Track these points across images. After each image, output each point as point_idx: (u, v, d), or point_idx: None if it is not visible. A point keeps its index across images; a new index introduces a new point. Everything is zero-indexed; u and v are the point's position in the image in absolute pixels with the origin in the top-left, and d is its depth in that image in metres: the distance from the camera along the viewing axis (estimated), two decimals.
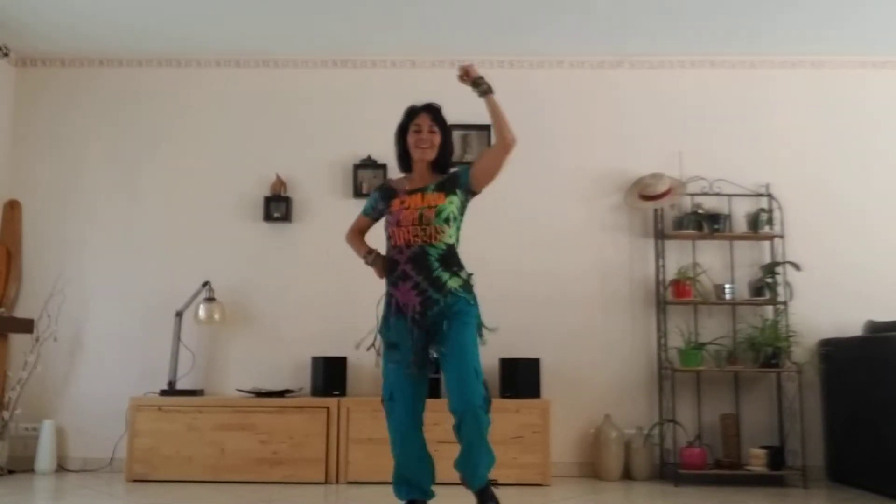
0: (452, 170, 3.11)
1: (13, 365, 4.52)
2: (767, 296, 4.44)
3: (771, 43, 4.61)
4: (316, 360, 4.37)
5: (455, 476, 2.89)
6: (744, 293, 4.51)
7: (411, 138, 3.01)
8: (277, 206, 4.65)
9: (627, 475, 4.36)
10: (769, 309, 4.52)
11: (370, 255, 3.08)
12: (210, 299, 4.48)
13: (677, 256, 4.58)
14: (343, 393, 4.31)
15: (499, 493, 2.93)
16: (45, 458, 4.34)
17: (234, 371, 4.57)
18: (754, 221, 4.50)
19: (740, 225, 4.59)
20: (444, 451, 3.04)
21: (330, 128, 4.78)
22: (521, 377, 4.25)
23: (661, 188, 4.44)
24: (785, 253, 4.51)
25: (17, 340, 4.57)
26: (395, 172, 4.58)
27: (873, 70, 4.77)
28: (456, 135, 3.90)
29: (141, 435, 4.15)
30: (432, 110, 3.05)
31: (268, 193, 4.68)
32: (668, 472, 4.32)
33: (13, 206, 4.70)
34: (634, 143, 4.72)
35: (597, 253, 4.64)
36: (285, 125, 4.79)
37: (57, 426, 4.46)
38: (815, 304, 4.50)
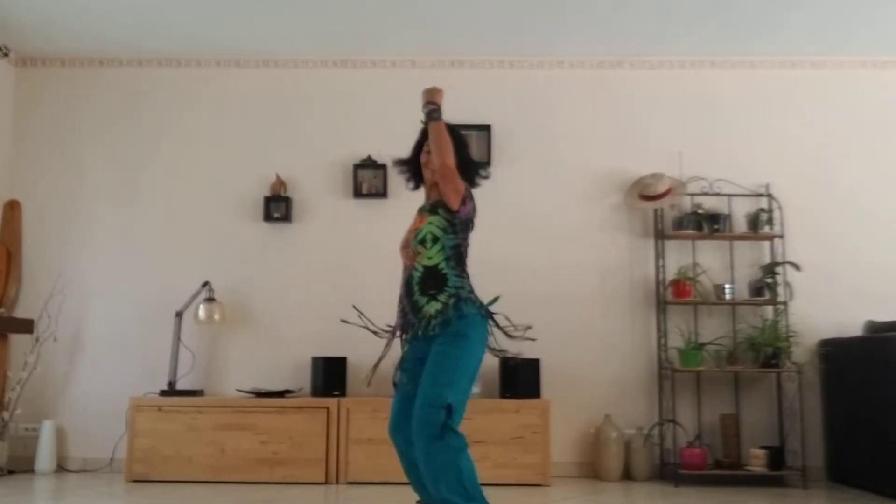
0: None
1: (13, 365, 4.52)
2: (767, 296, 4.44)
3: (771, 43, 4.61)
4: (316, 360, 4.37)
5: None
6: (744, 293, 4.51)
7: (423, 158, 2.96)
8: (277, 207, 4.65)
9: (627, 475, 4.36)
10: (769, 309, 4.52)
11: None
12: (210, 299, 4.48)
13: (677, 256, 4.58)
14: (343, 393, 4.31)
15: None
16: (45, 458, 4.34)
17: (234, 371, 4.58)
18: (754, 221, 4.50)
19: (740, 225, 4.59)
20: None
21: (330, 128, 4.78)
22: (520, 377, 4.24)
23: (661, 188, 4.44)
24: (785, 253, 4.51)
25: (17, 341, 4.57)
26: (395, 172, 4.61)
27: (873, 70, 4.77)
28: None
29: (141, 435, 4.15)
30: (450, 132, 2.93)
31: (268, 193, 4.68)
32: (668, 472, 4.32)
33: (13, 206, 4.70)
34: (634, 143, 4.72)
35: (597, 253, 4.64)
36: (285, 125, 4.79)
37: (57, 426, 4.46)
38: (815, 304, 4.50)
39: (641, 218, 4.66)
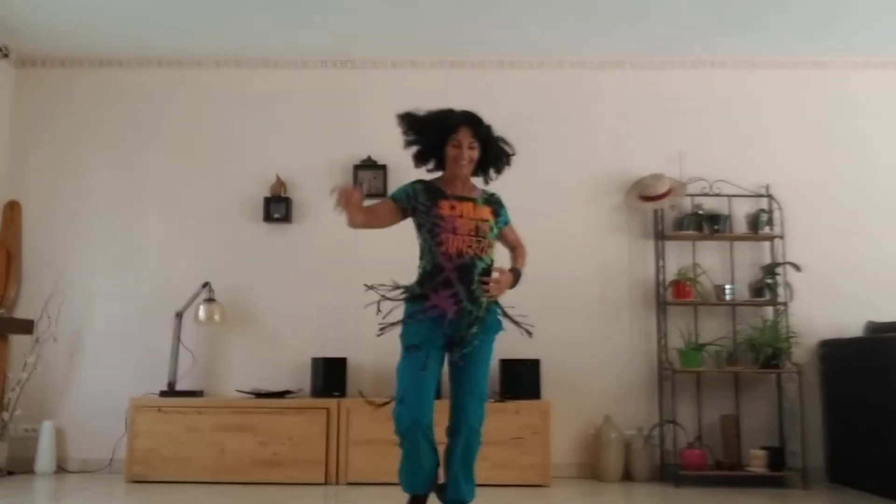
0: (493, 192, 3.12)
1: (13, 366, 4.52)
2: (767, 297, 4.44)
3: (771, 44, 4.61)
4: (316, 360, 4.37)
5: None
6: (744, 294, 4.51)
7: (451, 152, 2.94)
8: (277, 207, 4.65)
9: (627, 476, 4.36)
10: (769, 310, 4.52)
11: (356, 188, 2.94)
12: (210, 300, 4.48)
13: (677, 257, 4.58)
14: (343, 394, 4.31)
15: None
16: (44, 459, 4.34)
17: (233, 372, 4.57)
18: (754, 222, 4.50)
19: (740, 226, 4.59)
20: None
21: (330, 128, 4.78)
22: (521, 378, 4.24)
23: (662, 189, 4.44)
24: (785, 254, 4.51)
25: (17, 341, 4.57)
26: (395, 173, 4.63)
27: (874, 71, 4.78)
28: None
29: (140, 436, 4.15)
30: (472, 124, 2.97)
31: (268, 194, 4.68)
32: (669, 473, 4.32)
33: (13, 207, 4.70)
34: (635, 143, 4.72)
35: (597, 254, 4.64)
36: (285, 126, 4.79)
37: (57, 427, 4.46)
38: (815, 304, 4.50)
39: (642, 219, 4.66)
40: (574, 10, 4.23)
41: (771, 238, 4.53)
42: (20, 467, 4.41)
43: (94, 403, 4.51)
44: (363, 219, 2.98)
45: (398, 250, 4.54)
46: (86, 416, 4.51)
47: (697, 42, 4.60)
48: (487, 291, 2.89)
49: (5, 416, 4.35)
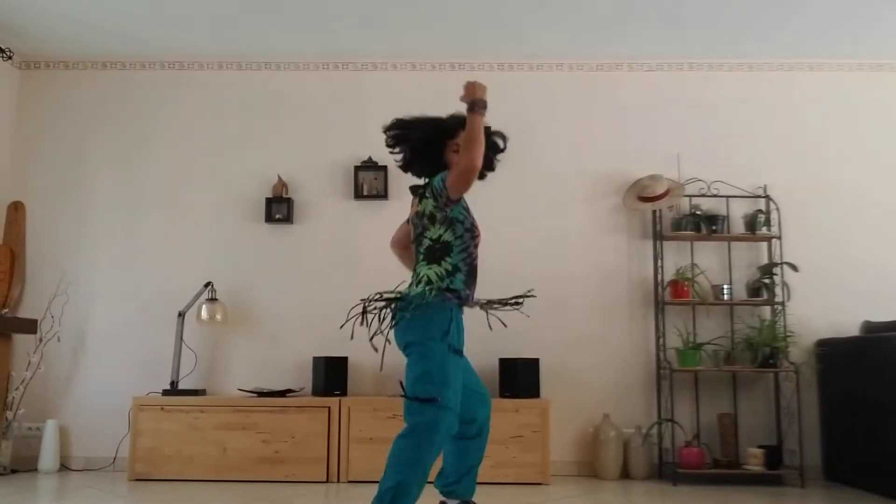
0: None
1: (17, 365, 4.55)
2: (765, 296, 4.47)
3: (769, 46, 4.64)
4: (317, 359, 4.40)
5: None
6: (741, 294, 4.54)
7: (453, 157, 2.85)
8: (279, 208, 4.68)
9: (626, 474, 4.39)
10: (767, 309, 4.55)
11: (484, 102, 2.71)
12: (212, 300, 4.51)
13: (675, 257, 4.61)
14: (344, 393, 4.34)
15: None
16: (48, 457, 4.38)
17: (235, 371, 4.61)
18: (752, 223, 4.53)
19: (738, 226, 4.62)
20: None
21: (331, 129, 4.81)
22: (520, 377, 4.27)
23: (660, 190, 4.47)
24: (782, 254, 4.54)
25: (21, 341, 4.60)
26: (395, 174, 4.67)
27: (870, 73, 4.81)
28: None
29: (143, 434, 4.18)
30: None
31: (269, 195, 4.71)
32: (667, 471, 4.35)
33: (17, 208, 4.73)
34: (633, 144, 4.75)
35: (596, 254, 4.67)
36: (287, 127, 4.83)
37: (60, 426, 4.49)
38: (813, 304, 4.54)
39: (640, 219, 4.70)
40: (573, 12, 4.27)
41: (768, 238, 4.57)
42: (24, 465, 4.45)
43: (98, 402, 4.55)
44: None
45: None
46: (89, 414, 4.55)
47: (695, 44, 4.63)
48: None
49: (9, 414, 4.38)
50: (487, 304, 2.97)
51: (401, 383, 2.69)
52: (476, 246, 2.86)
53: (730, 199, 4.64)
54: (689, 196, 4.62)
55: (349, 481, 4.13)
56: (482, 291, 3.08)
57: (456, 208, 2.80)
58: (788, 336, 4.36)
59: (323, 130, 4.81)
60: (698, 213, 4.57)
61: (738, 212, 4.64)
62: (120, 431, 4.44)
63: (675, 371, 4.37)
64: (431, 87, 4.73)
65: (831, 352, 4.33)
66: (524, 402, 4.21)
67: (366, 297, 2.79)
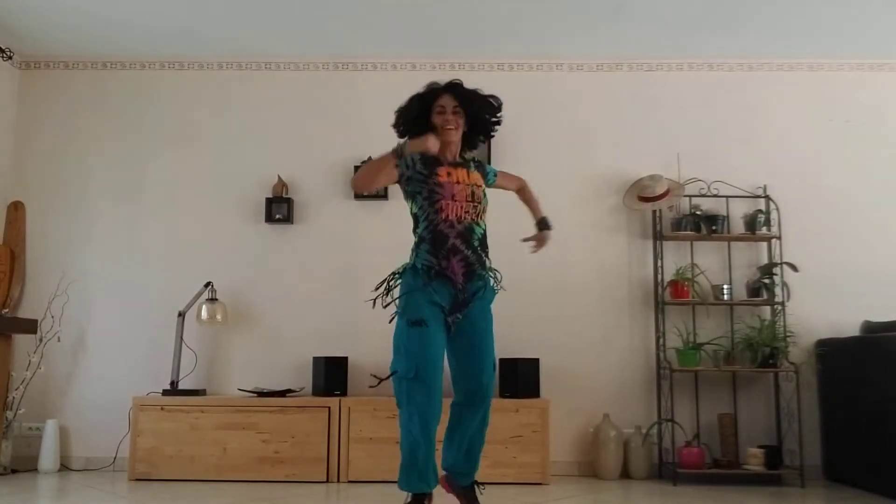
0: (476, 156, 3.17)
1: (17, 365, 4.56)
2: (765, 296, 4.47)
3: (768, 46, 4.65)
4: (317, 359, 4.40)
5: None
6: (741, 294, 4.54)
7: (437, 119, 3.01)
8: (279, 208, 4.68)
9: (626, 474, 4.39)
10: (766, 309, 4.55)
11: (401, 146, 2.90)
12: (212, 300, 4.52)
13: (675, 257, 4.62)
14: (344, 392, 4.35)
15: (484, 495, 3.04)
16: (48, 457, 4.38)
17: (235, 371, 4.61)
18: (752, 223, 4.53)
19: (738, 226, 4.62)
20: None
21: (331, 129, 4.81)
22: (520, 377, 4.27)
23: (660, 190, 4.47)
24: (782, 254, 4.54)
25: (21, 341, 4.61)
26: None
27: (870, 73, 4.81)
28: None
29: (144, 434, 4.19)
30: (454, 90, 3.02)
31: (269, 195, 4.71)
32: (667, 471, 4.35)
33: (17, 208, 4.73)
34: (633, 145, 4.76)
35: (596, 254, 4.68)
36: (287, 127, 4.83)
37: (60, 426, 4.49)
38: (812, 304, 4.54)
39: (640, 219, 4.70)
40: (572, 12, 4.27)
41: (768, 238, 4.57)
42: (24, 465, 4.45)
43: (98, 402, 4.55)
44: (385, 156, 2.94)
45: (398, 250, 4.57)
46: (89, 414, 4.55)
47: (695, 44, 4.64)
48: (536, 251, 3.18)
49: (9, 414, 4.38)
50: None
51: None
52: (439, 211, 2.92)
53: (730, 199, 4.64)
54: (689, 196, 4.62)
55: (349, 481, 4.13)
56: None
57: (411, 184, 2.99)
58: (788, 336, 4.36)
59: (323, 130, 4.81)
60: (698, 213, 4.58)
61: (738, 212, 4.64)
62: (120, 431, 4.44)
63: (675, 371, 4.37)
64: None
65: (831, 352, 4.33)
66: (524, 402, 4.21)
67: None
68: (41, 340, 4.52)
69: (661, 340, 4.50)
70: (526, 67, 4.85)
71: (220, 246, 4.72)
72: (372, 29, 4.49)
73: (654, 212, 4.59)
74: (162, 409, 4.22)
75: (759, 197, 4.62)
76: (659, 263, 4.56)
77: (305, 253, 4.71)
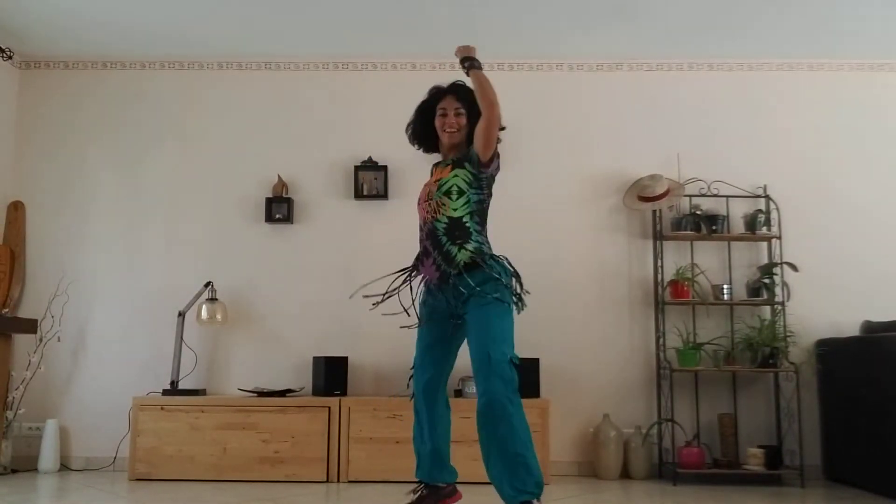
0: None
1: (17, 365, 4.56)
2: (765, 296, 4.47)
3: (768, 46, 4.65)
4: (317, 359, 4.40)
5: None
6: (741, 294, 4.54)
7: (438, 122, 3.01)
8: (279, 208, 4.68)
9: (626, 474, 4.39)
10: (766, 309, 4.55)
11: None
12: (212, 300, 4.52)
13: (675, 257, 4.62)
14: (344, 392, 4.35)
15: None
16: (48, 457, 4.38)
17: (235, 371, 4.61)
18: (752, 222, 4.53)
19: (738, 226, 4.62)
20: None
21: (331, 129, 4.81)
22: (520, 377, 4.24)
23: (660, 189, 4.47)
24: (782, 254, 4.54)
25: (21, 340, 4.61)
26: (395, 174, 4.69)
27: (870, 73, 4.81)
28: None
29: (144, 434, 4.19)
30: (457, 91, 3.02)
31: (269, 195, 4.71)
32: (667, 471, 4.35)
33: (17, 207, 4.74)
34: (633, 144, 4.76)
35: (596, 254, 4.68)
36: (287, 127, 4.83)
37: (60, 425, 4.49)
38: (813, 304, 4.54)
39: (640, 219, 4.70)
40: (572, 12, 4.27)
41: (768, 238, 4.57)
42: (24, 465, 4.45)
43: (98, 402, 4.55)
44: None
45: (398, 250, 4.58)
46: (89, 414, 4.55)
47: (695, 44, 4.64)
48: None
49: (9, 414, 4.38)
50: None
51: None
52: (422, 219, 2.97)
53: (730, 198, 4.64)
54: (689, 196, 4.62)
55: (349, 481, 4.13)
56: None
57: None
58: (788, 336, 4.36)
59: (323, 130, 4.81)
60: (698, 212, 4.58)
61: (738, 212, 4.64)
62: (120, 431, 4.44)
63: (675, 371, 4.37)
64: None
65: (831, 352, 4.33)
66: (524, 402, 4.12)
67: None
68: (41, 340, 4.53)
69: (661, 340, 4.50)
70: (526, 67, 4.85)
71: (220, 246, 4.72)
72: (372, 29, 4.49)
73: (654, 212, 4.59)
74: (162, 409, 4.22)
75: (759, 197, 4.62)
76: (659, 263, 4.56)
77: (305, 253, 4.71)
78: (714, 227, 4.53)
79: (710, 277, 4.58)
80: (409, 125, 3.14)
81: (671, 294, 4.50)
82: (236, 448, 4.16)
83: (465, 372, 4.07)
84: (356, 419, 4.18)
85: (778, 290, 4.47)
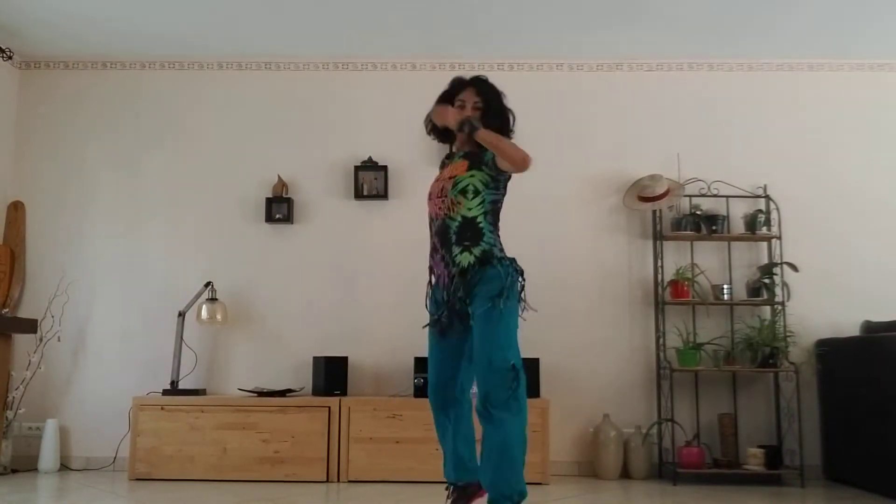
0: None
1: (17, 365, 4.56)
2: (765, 296, 4.47)
3: (769, 46, 4.65)
4: (317, 359, 4.40)
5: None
6: (741, 294, 4.54)
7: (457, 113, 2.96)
8: (279, 208, 4.68)
9: (626, 474, 4.39)
10: (766, 309, 4.55)
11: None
12: (212, 300, 4.52)
13: (675, 257, 4.62)
14: (344, 392, 4.35)
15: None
16: (48, 457, 4.38)
17: (235, 371, 4.61)
18: (752, 222, 4.53)
19: (738, 226, 4.62)
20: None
21: (331, 129, 4.81)
22: (527, 379, 4.25)
23: (660, 190, 4.47)
24: (782, 254, 4.54)
25: (21, 340, 4.61)
26: (395, 174, 4.69)
27: (870, 73, 4.81)
28: None
29: (144, 434, 4.19)
30: (478, 84, 2.98)
31: (269, 195, 4.71)
32: (667, 471, 4.35)
33: (17, 207, 4.73)
34: (633, 144, 4.76)
35: (596, 254, 4.68)
36: (287, 127, 4.83)
37: (60, 425, 4.49)
38: (812, 304, 4.54)
39: (640, 219, 4.70)
40: (572, 12, 4.27)
41: (768, 238, 4.57)
42: (24, 465, 4.45)
43: (98, 402, 4.55)
44: None
45: (398, 250, 4.60)
46: (89, 414, 4.55)
47: (695, 44, 4.64)
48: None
49: (9, 414, 4.38)
50: None
51: None
52: (433, 215, 2.94)
53: (730, 199, 4.64)
54: (689, 196, 4.62)
55: (349, 481, 4.13)
56: None
57: None
58: (788, 336, 4.36)
59: (323, 130, 4.81)
60: (698, 213, 4.58)
61: (738, 212, 4.64)
62: (120, 431, 4.44)
63: (675, 371, 4.37)
64: (431, 87, 4.70)
65: (831, 352, 4.33)
66: None
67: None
68: (41, 340, 4.53)
69: (661, 340, 4.50)
70: (526, 67, 4.85)
71: (221, 246, 4.72)
72: (372, 29, 4.49)
73: (654, 212, 4.59)
74: (162, 408, 4.22)
75: (759, 197, 4.62)
76: (659, 263, 4.56)
77: (305, 253, 4.71)
78: (714, 227, 4.53)
79: (710, 277, 4.58)
80: (428, 114, 3.08)
81: (671, 294, 4.50)
82: (236, 448, 4.16)
83: None
84: (356, 419, 4.18)
85: (778, 290, 4.47)
